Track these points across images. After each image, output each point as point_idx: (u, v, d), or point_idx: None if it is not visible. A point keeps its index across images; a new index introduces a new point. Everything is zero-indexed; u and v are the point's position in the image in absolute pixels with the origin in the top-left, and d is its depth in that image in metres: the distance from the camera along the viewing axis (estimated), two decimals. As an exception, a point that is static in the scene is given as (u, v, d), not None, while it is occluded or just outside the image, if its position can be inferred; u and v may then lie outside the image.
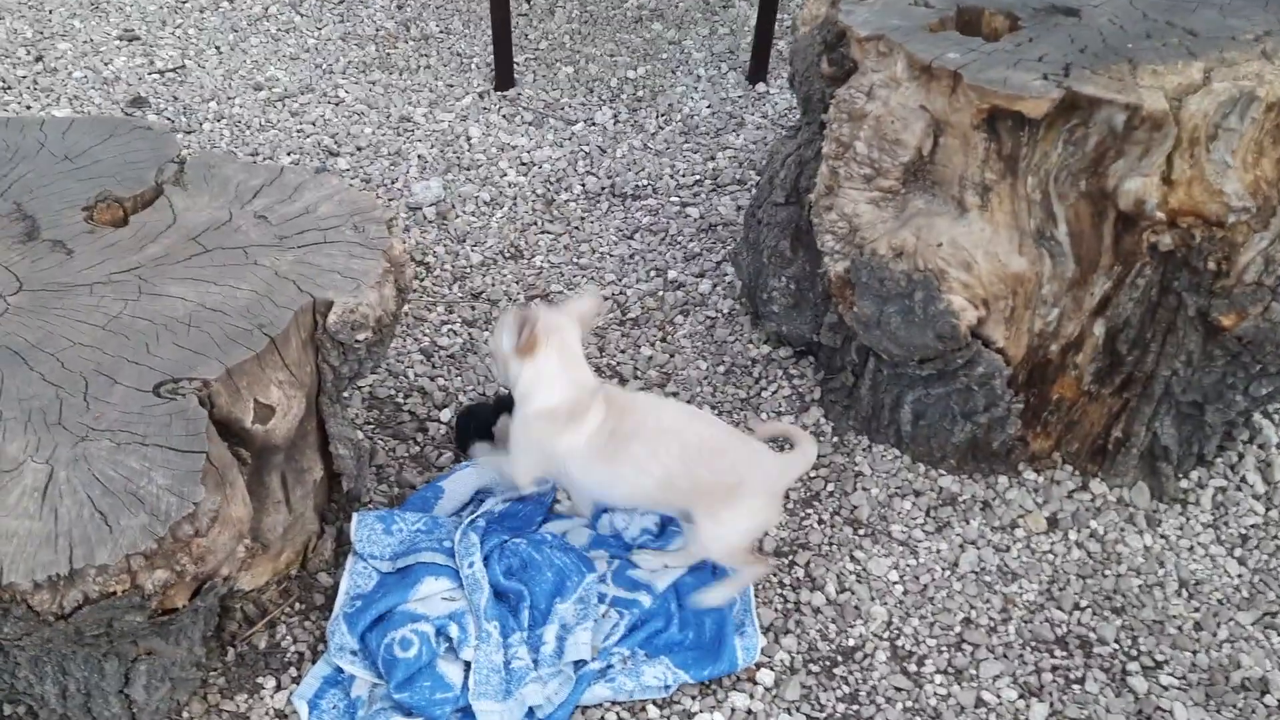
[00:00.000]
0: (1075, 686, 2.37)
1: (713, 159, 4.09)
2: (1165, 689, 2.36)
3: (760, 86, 4.56)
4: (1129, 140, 2.21)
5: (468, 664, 2.25)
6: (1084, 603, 2.54)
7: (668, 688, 2.29)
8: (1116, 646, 2.45)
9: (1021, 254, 2.43)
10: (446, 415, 2.97)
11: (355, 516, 2.49)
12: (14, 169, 2.50)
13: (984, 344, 2.56)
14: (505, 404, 2.57)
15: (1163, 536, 2.70)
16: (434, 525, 2.49)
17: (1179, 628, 2.49)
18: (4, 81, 4.39)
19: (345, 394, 2.38)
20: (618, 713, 2.28)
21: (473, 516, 2.55)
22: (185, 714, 2.21)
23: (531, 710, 2.22)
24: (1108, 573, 2.61)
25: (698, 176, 3.99)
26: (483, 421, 2.78)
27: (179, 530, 1.80)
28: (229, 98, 4.40)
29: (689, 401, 3.02)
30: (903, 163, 2.45)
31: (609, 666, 2.31)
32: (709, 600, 2.42)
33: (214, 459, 1.93)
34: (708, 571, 2.50)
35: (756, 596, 2.50)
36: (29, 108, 4.25)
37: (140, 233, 2.34)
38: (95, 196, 2.41)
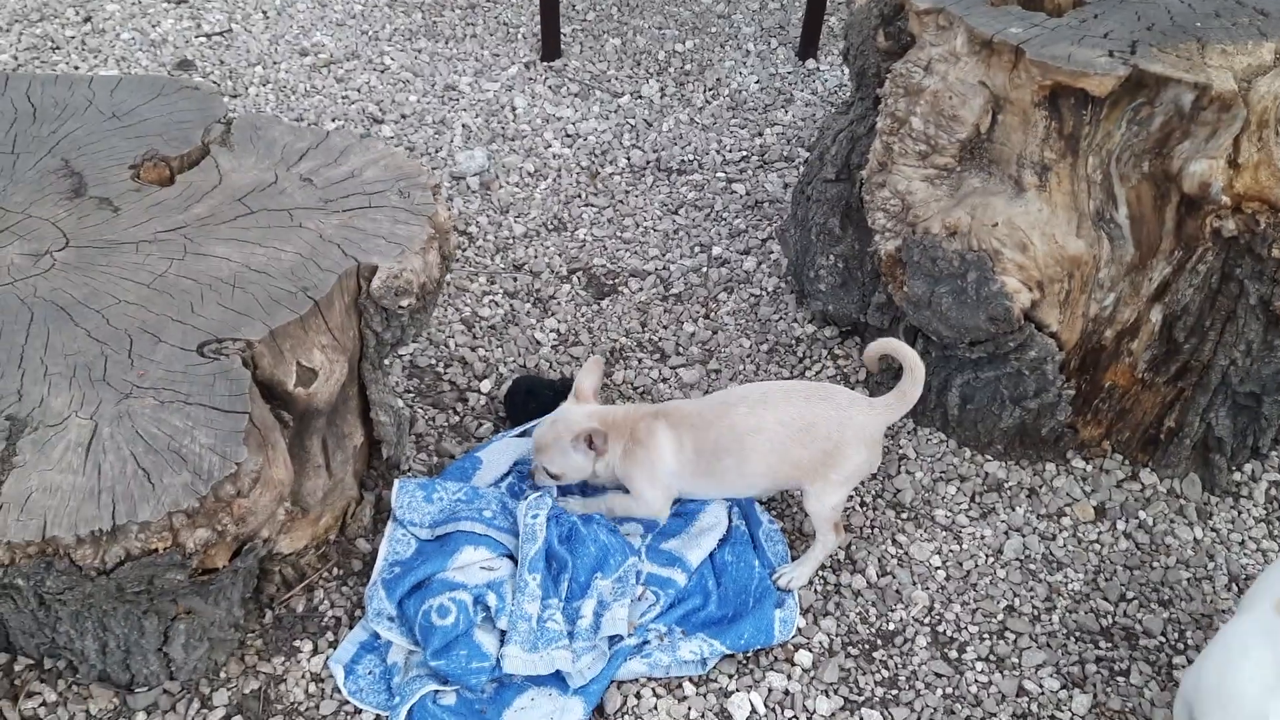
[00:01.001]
0: (1119, 679, 2.33)
1: (760, 135, 4.04)
2: (1212, 684, 2.31)
3: (810, 63, 4.49)
4: (1196, 121, 2.15)
5: (504, 633, 2.24)
6: (1130, 594, 2.49)
7: (704, 661, 2.27)
8: (1163, 639, 2.41)
9: (1079, 236, 2.37)
10: (486, 386, 2.95)
11: (396, 483, 2.48)
12: (62, 126, 2.49)
13: (1037, 327, 2.51)
14: (567, 388, 2.56)
15: (1213, 529, 2.64)
16: (474, 495, 2.47)
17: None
18: (53, 41, 4.40)
19: (387, 361, 2.37)
20: (653, 688, 2.26)
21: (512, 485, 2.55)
22: (222, 674, 2.21)
23: (564, 681, 2.20)
24: (1155, 564, 2.56)
25: (744, 153, 3.94)
26: (541, 400, 2.76)
27: (221, 490, 1.79)
28: (275, 62, 4.38)
29: (733, 380, 2.98)
30: (959, 140, 2.40)
31: (645, 643, 2.29)
32: (796, 581, 2.43)
33: (257, 420, 1.91)
34: (746, 545, 2.48)
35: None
36: (76, 68, 4.25)
37: (186, 192, 2.33)
38: (142, 155, 2.40)
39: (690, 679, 2.27)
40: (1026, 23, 2.33)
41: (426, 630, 2.20)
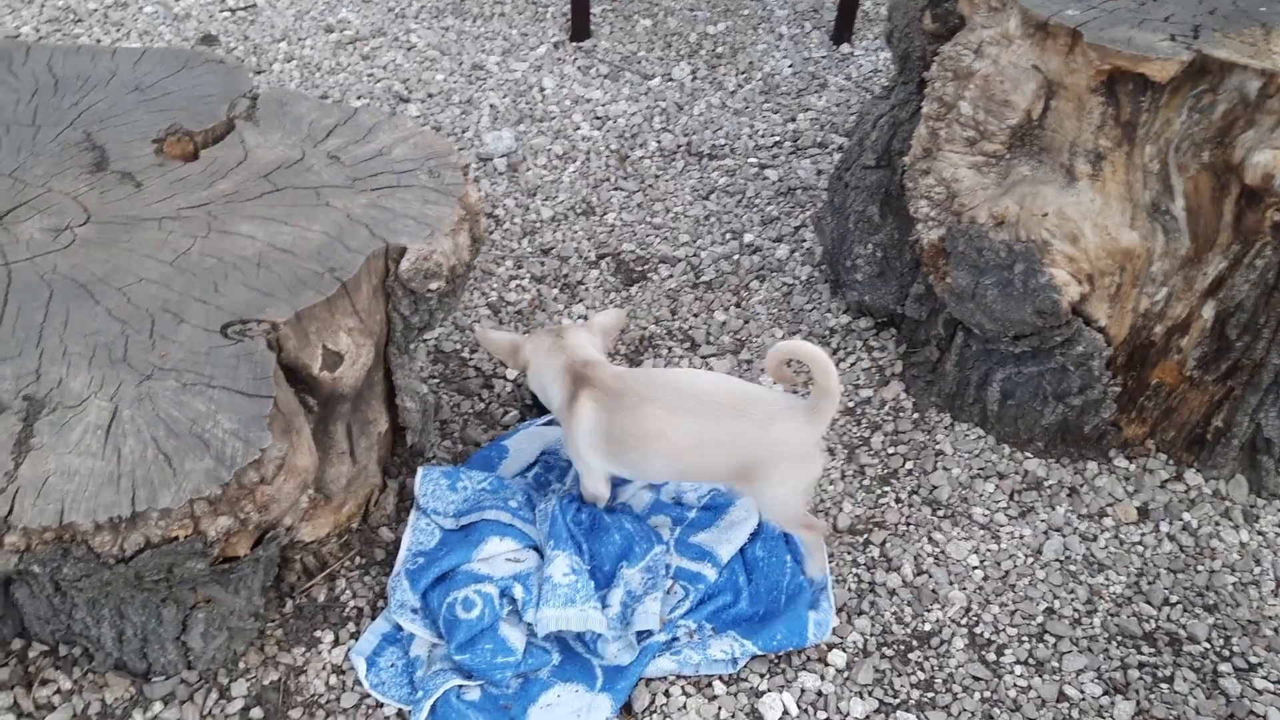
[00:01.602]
0: (1163, 685, 2.25)
1: (793, 120, 3.96)
2: (1259, 693, 2.24)
3: (845, 47, 4.41)
4: (1262, 109, 2.06)
5: (531, 627, 2.18)
6: (1174, 598, 2.42)
7: (735, 661, 2.21)
8: (1208, 646, 2.33)
9: (1133, 228, 2.29)
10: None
11: (420, 471, 2.42)
12: (84, 97, 2.44)
13: (1085, 322, 2.43)
14: None
15: (1260, 533, 2.56)
16: (500, 485, 2.41)
17: (1275, 629, 2.36)
18: (75, 14, 4.35)
19: (413, 345, 2.31)
20: (683, 687, 2.19)
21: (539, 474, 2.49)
22: (241, 664, 2.16)
23: (592, 677, 2.15)
24: (1200, 568, 2.48)
25: (777, 138, 3.86)
26: None
27: (244, 477, 1.73)
28: (299, 38, 4.32)
29: (765, 370, 2.91)
30: (1010, 125, 2.32)
31: (674, 639, 2.22)
32: (820, 573, 2.36)
33: (281, 405, 1.85)
34: (778, 541, 2.41)
35: (831, 573, 2.40)
36: (99, 41, 4.20)
37: (211, 168, 2.27)
38: (166, 129, 2.35)
39: (720, 678, 2.21)
40: (1083, 5, 2.24)
41: (451, 624, 2.14)
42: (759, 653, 2.22)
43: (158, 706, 2.08)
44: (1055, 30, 2.19)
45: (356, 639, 2.22)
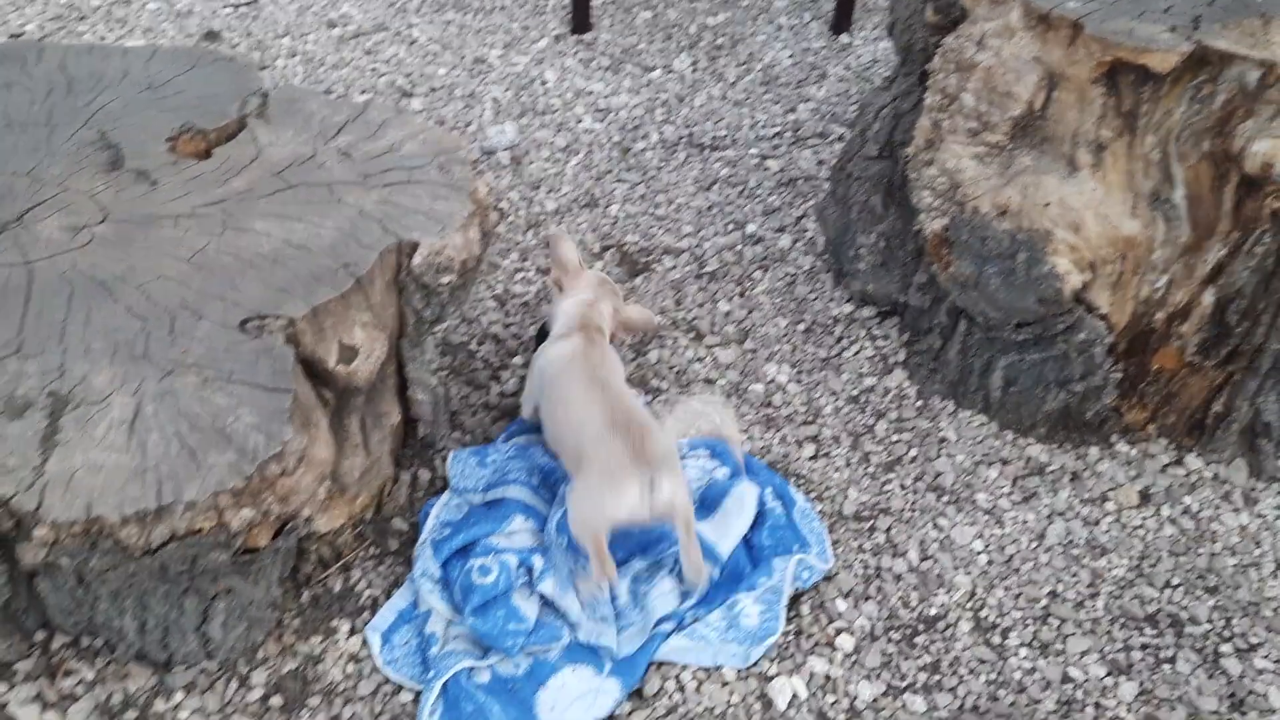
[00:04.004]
0: (1166, 666, 2.29)
1: (793, 111, 3.99)
2: (1260, 673, 2.28)
3: (844, 37, 4.43)
4: (1261, 99, 2.10)
5: (544, 599, 2.23)
6: (1176, 581, 2.45)
7: (774, 600, 2.30)
8: (1209, 627, 2.37)
9: (1134, 217, 2.32)
10: (520, 362, 2.91)
11: (451, 454, 2.48)
12: (98, 97, 2.46)
13: (1087, 309, 2.47)
14: None
15: (1259, 516, 2.60)
16: (521, 451, 2.48)
17: (1275, 610, 2.40)
18: (80, 11, 4.36)
19: (423, 338, 2.34)
20: (693, 672, 2.23)
21: None
22: (260, 654, 2.19)
23: (600, 659, 2.18)
24: (1201, 551, 2.52)
25: (778, 128, 3.89)
26: None
27: (266, 469, 1.76)
28: (302, 34, 4.34)
29: (769, 361, 2.95)
30: (1012, 117, 2.35)
31: (681, 622, 2.26)
32: None
33: (300, 399, 1.89)
34: (786, 529, 2.43)
35: (837, 558, 2.44)
36: (103, 38, 4.22)
37: (224, 166, 2.30)
38: (179, 127, 2.37)
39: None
40: (1083, -4, 2.28)
41: (467, 588, 2.19)
42: (812, 558, 2.36)
43: (179, 696, 2.11)
44: (1057, 22, 2.22)
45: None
